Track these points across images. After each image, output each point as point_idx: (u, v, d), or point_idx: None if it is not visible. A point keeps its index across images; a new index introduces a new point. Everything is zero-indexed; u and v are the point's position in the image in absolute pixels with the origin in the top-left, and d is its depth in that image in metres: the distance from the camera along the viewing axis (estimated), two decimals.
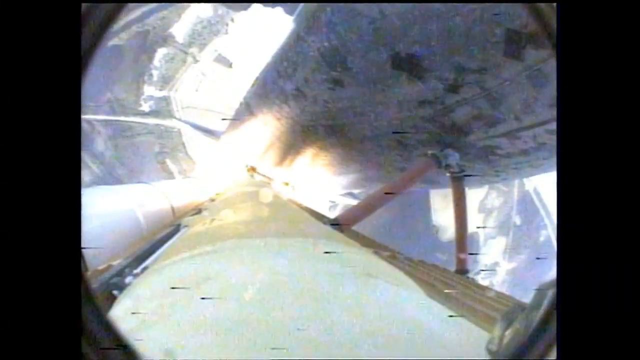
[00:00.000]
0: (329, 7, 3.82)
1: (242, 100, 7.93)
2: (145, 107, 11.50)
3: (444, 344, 0.82)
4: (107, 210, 3.81)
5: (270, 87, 5.95)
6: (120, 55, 10.98)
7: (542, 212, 14.20)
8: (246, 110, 7.72)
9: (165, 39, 11.22)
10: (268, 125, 6.92)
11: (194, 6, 11.13)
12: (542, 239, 14.61)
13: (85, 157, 11.16)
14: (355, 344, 0.74)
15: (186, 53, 11.40)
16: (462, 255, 4.79)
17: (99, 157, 11.55)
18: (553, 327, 0.57)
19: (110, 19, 0.55)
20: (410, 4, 3.20)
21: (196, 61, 11.49)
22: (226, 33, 11.32)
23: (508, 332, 0.64)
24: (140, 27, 11.03)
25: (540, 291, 0.61)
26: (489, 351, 0.66)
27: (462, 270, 4.77)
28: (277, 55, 5.40)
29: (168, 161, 12.01)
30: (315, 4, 4.09)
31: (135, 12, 10.70)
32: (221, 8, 11.13)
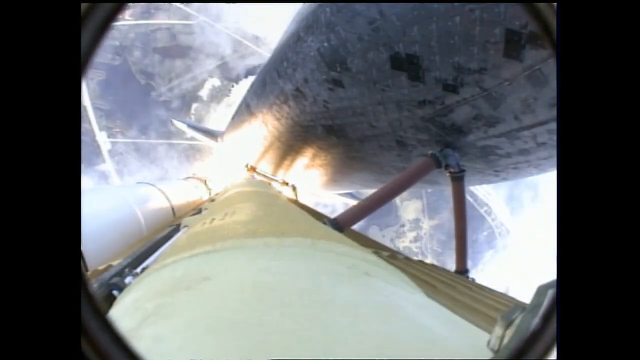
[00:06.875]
0: (328, 7, 3.82)
1: (242, 100, 7.93)
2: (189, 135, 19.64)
3: (444, 344, 0.82)
4: (107, 210, 3.81)
5: (270, 87, 5.95)
6: (168, 108, 21.33)
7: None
8: (246, 110, 7.71)
9: (196, 99, 21.82)
10: (268, 125, 6.91)
11: (209, 80, 21.65)
12: None
13: None
14: (355, 344, 0.74)
15: (209, 106, 21.82)
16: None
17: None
18: (553, 327, 0.57)
19: (110, 19, 0.55)
20: (410, 4, 3.20)
21: (216, 111, 21.61)
22: (229, 95, 21.57)
23: (508, 332, 0.64)
24: (179, 90, 21.52)
25: (540, 291, 0.61)
26: (489, 351, 0.66)
27: (462, 270, 4.78)
28: (277, 55, 5.39)
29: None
30: (315, 4, 4.09)
31: (174, 81, 21.21)
32: (225, 80, 21.69)
